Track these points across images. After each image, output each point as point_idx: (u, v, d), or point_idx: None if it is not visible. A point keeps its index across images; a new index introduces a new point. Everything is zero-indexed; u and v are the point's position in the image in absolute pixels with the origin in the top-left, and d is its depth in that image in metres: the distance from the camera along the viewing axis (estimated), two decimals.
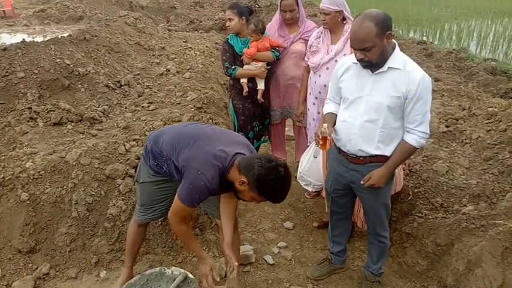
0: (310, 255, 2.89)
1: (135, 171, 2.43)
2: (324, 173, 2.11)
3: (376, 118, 2.01)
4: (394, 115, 2.00)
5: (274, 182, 1.80)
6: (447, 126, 3.69)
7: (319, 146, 2.14)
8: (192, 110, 3.90)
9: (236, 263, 2.10)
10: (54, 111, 3.75)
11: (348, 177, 2.23)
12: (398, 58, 1.96)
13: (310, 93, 3.16)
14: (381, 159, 2.09)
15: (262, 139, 3.81)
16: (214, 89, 4.67)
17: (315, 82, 3.03)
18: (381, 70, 1.97)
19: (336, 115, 2.19)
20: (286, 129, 4.55)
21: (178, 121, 3.63)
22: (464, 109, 4.15)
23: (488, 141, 3.31)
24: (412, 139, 2.02)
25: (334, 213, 2.49)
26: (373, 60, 1.92)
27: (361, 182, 2.13)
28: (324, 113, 2.28)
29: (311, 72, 3.13)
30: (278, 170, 1.81)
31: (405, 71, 1.93)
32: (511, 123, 3.41)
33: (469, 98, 4.66)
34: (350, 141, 2.11)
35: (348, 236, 2.65)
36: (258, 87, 3.40)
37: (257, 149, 3.90)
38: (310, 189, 2.87)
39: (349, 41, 2.85)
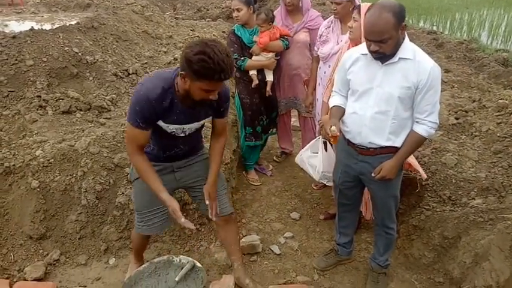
0: (316, 245, 2.90)
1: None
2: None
3: (387, 109, 2.00)
4: (404, 105, 2.00)
5: (200, 54, 1.68)
6: (457, 119, 3.66)
7: (331, 141, 2.13)
8: None
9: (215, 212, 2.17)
10: (63, 99, 3.77)
11: (357, 169, 2.23)
12: (408, 48, 1.94)
13: (319, 84, 3.14)
14: (391, 150, 2.09)
15: (270, 131, 3.78)
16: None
17: (325, 72, 3.00)
18: (391, 61, 1.95)
19: (343, 108, 2.16)
20: (293, 120, 4.54)
21: None
22: (474, 101, 4.09)
23: (498, 134, 3.28)
24: (422, 129, 2.02)
25: (341, 205, 2.49)
26: (387, 52, 1.89)
27: (372, 174, 2.13)
28: (330, 106, 2.23)
29: (320, 62, 3.11)
30: (202, 43, 1.73)
31: (415, 61, 1.92)
32: None
33: (479, 90, 4.59)
34: (360, 133, 2.10)
35: (355, 228, 2.66)
36: (267, 79, 3.36)
37: (265, 141, 3.89)
38: (331, 184, 2.85)
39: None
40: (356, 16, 2.37)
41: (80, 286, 2.49)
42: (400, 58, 1.93)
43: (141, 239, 2.42)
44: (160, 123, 1.94)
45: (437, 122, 2.03)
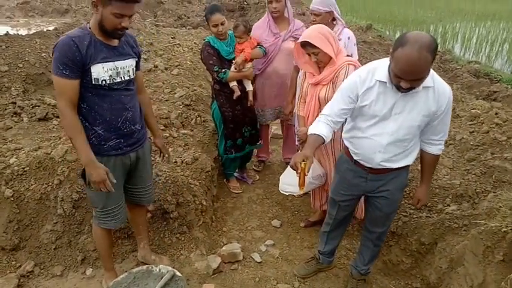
0: (297, 253, 2.91)
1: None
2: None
3: (406, 137, 1.95)
4: (420, 130, 1.99)
5: None
6: None
7: (294, 192, 1.98)
8: (181, 107, 3.88)
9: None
10: (39, 106, 3.69)
11: (366, 188, 2.17)
12: (429, 74, 1.81)
13: (298, 91, 3.18)
14: (403, 168, 2.08)
15: (257, 144, 3.72)
16: (203, 86, 4.66)
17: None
18: (415, 90, 1.82)
19: (323, 139, 1.99)
20: (275, 127, 4.58)
21: (166, 118, 3.61)
22: None
23: (471, 143, 3.40)
24: (438, 150, 2.04)
25: (339, 219, 2.42)
26: (416, 87, 1.79)
27: (413, 205, 2.20)
28: (310, 132, 2.03)
29: (300, 71, 3.15)
30: None
31: (435, 89, 1.85)
32: (493, 125, 3.51)
33: (454, 100, 4.75)
34: (373, 159, 2.03)
35: (341, 237, 2.64)
36: (248, 89, 3.35)
37: (250, 153, 3.87)
38: (295, 194, 2.86)
39: (342, 42, 2.90)
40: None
41: None
42: (423, 87, 1.83)
43: (107, 236, 2.39)
44: (94, 68, 1.91)
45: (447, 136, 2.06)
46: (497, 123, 3.51)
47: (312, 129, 2.02)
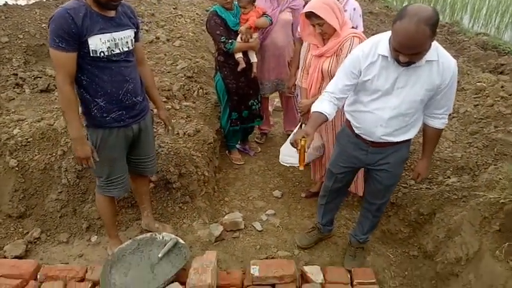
0: (297, 222, 2.97)
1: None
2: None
3: (408, 112, 1.94)
4: (423, 105, 1.96)
5: None
6: None
7: (295, 163, 1.92)
8: (183, 79, 3.86)
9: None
10: (41, 77, 3.68)
11: (366, 160, 2.17)
12: (433, 48, 1.78)
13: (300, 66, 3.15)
14: (404, 143, 2.08)
15: (256, 121, 3.66)
16: (205, 58, 4.61)
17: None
18: (417, 65, 1.79)
19: (326, 117, 1.97)
20: (277, 100, 4.56)
21: (168, 90, 3.60)
22: None
23: (475, 116, 3.37)
24: (441, 124, 2.03)
25: (334, 191, 2.43)
26: (416, 62, 1.76)
27: (413, 180, 2.21)
28: (313, 110, 2.00)
29: (304, 43, 3.11)
30: None
31: (439, 62, 1.81)
32: (498, 99, 3.47)
33: (459, 73, 4.66)
34: (374, 133, 2.02)
35: (338, 209, 2.67)
36: (252, 61, 3.31)
37: (250, 132, 3.87)
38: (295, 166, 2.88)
39: (347, 13, 2.84)
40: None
41: (61, 263, 2.49)
42: (426, 61, 1.80)
43: (110, 204, 2.44)
44: (91, 40, 1.89)
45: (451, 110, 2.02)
46: (503, 97, 3.47)
47: (315, 107, 2.00)
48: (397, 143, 2.06)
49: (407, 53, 1.68)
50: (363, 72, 1.91)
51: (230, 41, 3.12)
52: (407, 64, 1.75)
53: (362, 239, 2.51)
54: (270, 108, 4.37)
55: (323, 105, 1.99)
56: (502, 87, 3.65)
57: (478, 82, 3.95)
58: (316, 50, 2.55)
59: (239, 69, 3.24)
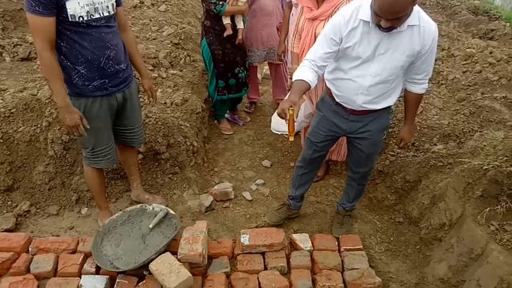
0: (286, 191, 2.99)
1: None
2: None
3: (389, 79, 1.92)
4: (403, 71, 1.95)
5: None
6: None
7: (287, 131, 1.87)
8: (169, 46, 3.75)
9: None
10: (20, 45, 3.54)
11: (346, 129, 2.16)
12: (414, 12, 1.76)
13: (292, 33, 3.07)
14: (385, 110, 2.08)
15: (244, 89, 3.59)
16: (192, 24, 4.47)
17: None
18: (399, 30, 1.77)
19: (309, 85, 1.92)
20: (266, 68, 4.49)
21: (154, 58, 3.51)
22: (443, 49, 4.16)
23: (463, 83, 3.38)
24: (422, 89, 2.03)
25: (312, 160, 2.39)
26: (398, 27, 1.74)
27: (396, 145, 2.17)
28: (295, 78, 1.95)
29: (293, 8, 3.02)
30: None
31: (420, 27, 1.79)
32: (486, 65, 3.47)
33: (449, 38, 4.64)
34: (355, 101, 2.01)
35: (311, 183, 2.63)
36: (238, 27, 3.22)
37: (238, 101, 3.81)
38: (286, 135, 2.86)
39: None
40: None
41: (52, 236, 2.51)
42: (408, 26, 1.77)
43: (98, 175, 2.42)
44: (69, 4, 1.81)
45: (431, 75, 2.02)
46: (491, 63, 3.47)
47: (297, 75, 1.95)
48: (378, 110, 2.06)
49: (389, 18, 1.66)
50: (344, 39, 1.87)
51: (221, 3, 3.04)
52: (389, 29, 1.73)
53: (348, 207, 2.56)
54: (259, 77, 4.32)
55: (304, 73, 1.94)
56: (491, 53, 3.64)
57: (468, 48, 3.93)
58: (310, 13, 2.48)
59: (225, 34, 3.17)
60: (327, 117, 2.20)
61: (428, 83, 2.05)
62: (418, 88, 2.03)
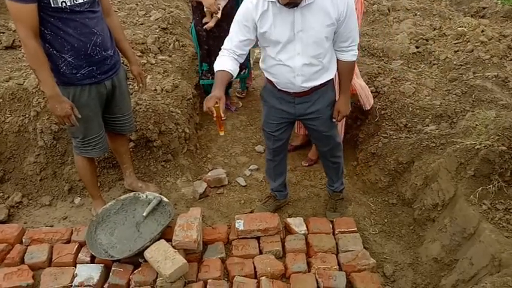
0: None
1: None
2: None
3: (318, 52, 1.91)
4: (330, 40, 1.93)
5: None
6: (417, 47, 3.69)
7: (217, 126, 1.89)
8: (157, 31, 3.68)
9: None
10: (3, 33, 3.45)
11: (296, 113, 2.14)
12: None
13: None
14: (326, 83, 2.07)
15: (242, 73, 3.53)
16: (180, 8, 4.38)
17: None
18: (308, 2, 1.75)
19: (231, 74, 1.91)
20: (257, 51, 4.42)
21: (143, 43, 3.44)
22: (435, 29, 4.12)
23: (454, 62, 3.37)
24: (352, 56, 2.01)
25: (275, 151, 2.37)
26: (298, 1, 1.73)
27: (334, 120, 2.15)
28: (217, 69, 1.92)
29: None
30: None
31: None
32: (478, 44, 3.45)
33: (440, 18, 4.60)
34: (294, 83, 1.99)
35: (286, 166, 2.59)
36: (219, 2, 3.04)
37: (228, 86, 3.72)
38: None
39: None
40: None
41: (46, 226, 2.49)
42: None
43: (89, 165, 2.39)
44: None
45: (358, 41, 2.00)
46: (483, 41, 3.45)
47: (218, 66, 1.92)
48: (321, 86, 2.05)
49: None
50: (258, 24, 1.84)
51: None
52: (291, 4, 1.71)
53: (336, 187, 2.55)
54: (251, 61, 4.26)
55: (224, 62, 1.92)
56: (483, 31, 3.62)
57: (459, 27, 3.90)
58: None
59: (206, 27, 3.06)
60: (274, 105, 2.17)
61: (358, 50, 2.03)
62: (347, 55, 2.00)
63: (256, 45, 2.10)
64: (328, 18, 1.81)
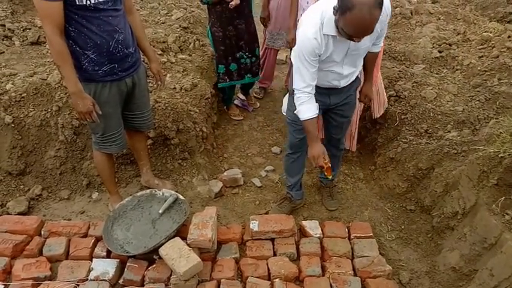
0: None
1: None
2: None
3: (362, 60, 2.16)
4: None
5: None
6: (440, 52, 3.62)
7: (324, 171, 2.14)
8: (178, 30, 3.70)
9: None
10: (30, 29, 3.53)
11: (330, 102, 2.25)
12: None
13: (301, 15, 2.99)
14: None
15: (255, 76, 3.51)
16: (201, 8, 4.39)
17: (307, 2, 2.85)
18: None
19: (317, 115, 2.08)
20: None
21: (163, 42, 3.47)
22: (459, 34, 4.03)
23: (479, 68, 3.28)
24: (378, 48, 2.21)
25: (297, 144, 2.41)
26: None
27: (361, 102, 2.42)
28: (304, 118, 2.05)
29: None
30: None
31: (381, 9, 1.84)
32: (504, 49, 3.36)
33: (465, 22, 4.50)
34: (337, 86, 2.16)
35: (304, 168, 2.62)
36: None
37: (250, 85, 3.73)
38: None
39: None
40: None
41: (64, 219, 2.54)
42: None
43: (107, 160, 2.42)
44: None
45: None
46: (509, 47, 3.35)
47: (304, 114, 2.04)
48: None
49: (364, 36, 1.78)
50: (323, 55, 1.97)
51: None
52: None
53: (334, 175, 2.59)
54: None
55: (309, 108, 2.04)
56: (509, 37, 3.52)
57: (484, 32, 3.80)
58: None
59: (230, 6, 2.97)
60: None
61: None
62: (375, 48, 2.19)
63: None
64: (375, 32, 1.90)
